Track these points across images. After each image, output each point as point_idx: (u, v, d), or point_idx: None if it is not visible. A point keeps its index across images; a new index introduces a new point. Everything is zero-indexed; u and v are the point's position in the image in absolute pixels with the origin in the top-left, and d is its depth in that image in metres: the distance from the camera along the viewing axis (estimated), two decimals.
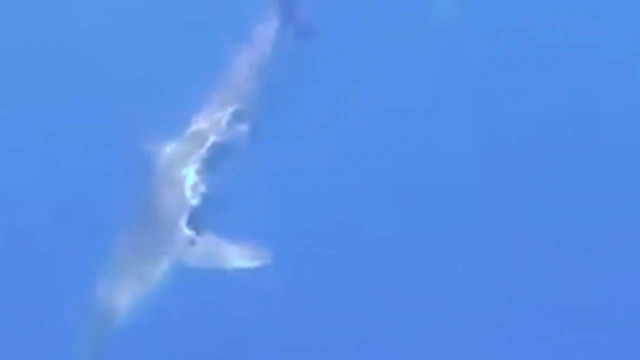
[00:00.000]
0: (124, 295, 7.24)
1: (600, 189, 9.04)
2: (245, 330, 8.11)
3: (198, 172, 7.65)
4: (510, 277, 8.62)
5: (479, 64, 9.51)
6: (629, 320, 8.69)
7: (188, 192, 7.59)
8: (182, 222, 7.49)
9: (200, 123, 7.86)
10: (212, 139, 7.77)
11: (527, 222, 9.00)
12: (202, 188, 7.60)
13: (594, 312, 8.64)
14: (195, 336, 8.13)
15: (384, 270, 8.54)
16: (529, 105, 9.33)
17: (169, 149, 7.79)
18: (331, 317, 8.40)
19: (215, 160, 7.71)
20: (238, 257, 7.37)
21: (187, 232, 7.45)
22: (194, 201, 7.56)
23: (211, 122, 7.84)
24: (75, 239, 8.09)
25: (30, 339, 8.07)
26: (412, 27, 9.39)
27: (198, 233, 7.44)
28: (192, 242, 7.42)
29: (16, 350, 8.12)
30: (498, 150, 9.15)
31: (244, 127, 7.85)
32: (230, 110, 7.86)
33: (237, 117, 7.85)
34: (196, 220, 7.49)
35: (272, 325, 8.10)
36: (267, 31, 8.25)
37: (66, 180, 8.74)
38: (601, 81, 9.41)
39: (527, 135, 9.28)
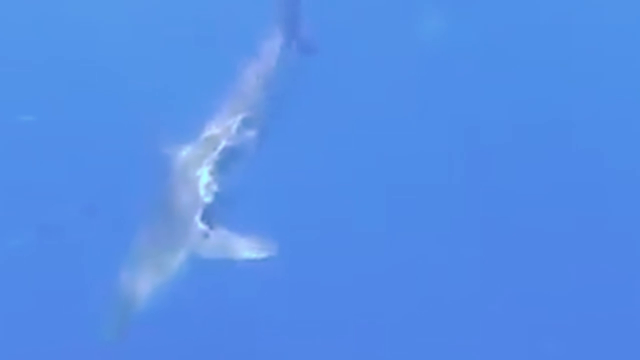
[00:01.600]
0: (144, 282, 7.26)
1: (568, 185, 9.24)
2: (252, 312, 8.18)
3: (211, 173, 7.64)
4: (489, 265, 8.66)
5: (463, 74, 9.55)
6: (599, 304, 8.67)
7: (202, 191, 7.57)
8: (197, 218, 7.47)
9: (212, 129, 7.85)
10: (223, 143, 7.76)
11: (505, 215, 9.01)
12: (215, 187, 7.58)
13: (566, 296, 8.72)
14: (208, 318, 8.18)
15: (375, 258, 8.68)
16: (506, 111, 9.39)
17: (185, 152, 7.78)
18: (327, 299, 8.45)
19: (227, 162, 7.70)
20: (247, 248, 7.34)
21: (201, 226, 7.43)
22: (207, 199, 7.53)
23: (223, 128, 7.83)
24: (101, 232, 8.17)
25: (63, 320, 8.13)
26: (401, 42, 9.50)
27: (211, 227, 7.41)
28: (205, 236, 7.40)
29: (51, 329, 8.23)
30: (479, 151, 9.34)
31: (251, 133, 7.84)
32: (239, 117, 7.85)
33: (246, 123, 7.83)
34: (209, 215, 7.46)
35: (276, 308, 8.17)
36: (272, 47, 8.21)
37: (93, 179, 8.81)
38: (570, 90, 9.60)
39: (505, 138, 9.30)
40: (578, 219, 9.05)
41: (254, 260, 7.31)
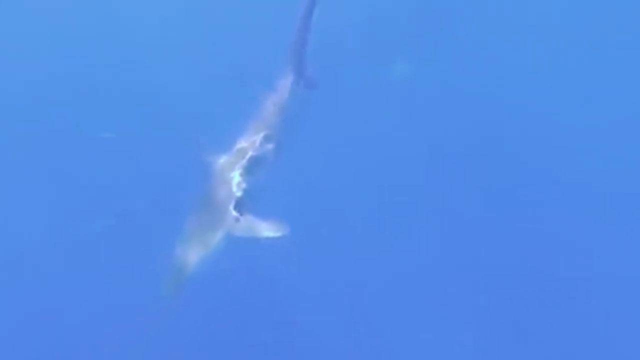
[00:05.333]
0: (193, 254, 7.36)
1: (506, 185, 9.13)
2: (270, 275, 8.30)
3: (241, 175, 7.75)
4: (447, 246, 8.69)
5: (425, 103, 9.53)
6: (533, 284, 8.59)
7: (234, 188, 7.68)
8: (231, 207, 7.59)
9: (242, 143, 7.95)
10: (250, 153, 7.88)
11: (459, 209, 9.04)
12: (244, 185, 7.71)
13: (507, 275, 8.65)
14: (239, 279, 8.22)
15: (362, 237, 8.69)
16: (460, 131, 9.42)
17: (222, 159, 7.89)
18: (326, 265, 8.57)
19: (252, 168, 7.81)
20: (267, 230, 7.45)
21: (234, 213, 7.55)
22: (239, 194, 7.66)
23: (249, 143, 7.94)
24: (162, 217, 8.21)
25: (134, 281, 8.21)
26: (380, 80, 9.51)
27: (241, 214, 7.55)
28: (237, 220, 7.52)
29: (125, 288, 8.33)
30: (439, 161, 9.26)
31: (270, 146, 7.95)
32: (261, 135, 7.96)
33: (266, 139, 7.95)
34: (240, 206, 7.59)
35: (288, 271, 8.23)
36: (285, 83, 8.30)
37: (156, 179, 8.88)
38: (507, 114, 9.49)
39: (459, 151, 9.37)
40: (513, 211, 8.99)
41: (272, 238, 7.44)
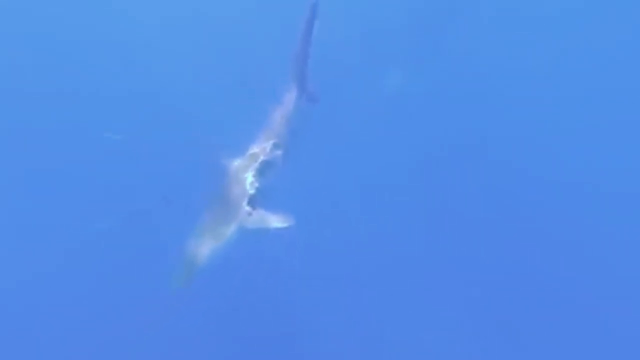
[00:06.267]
0: (208, 246, 7.72)
1: (501, 186, 9.37)
2: (278, 261, 8.49)
3: (253, 176, 8.18)
4: (436, 238, 8.97)
5: (419, 112, 9.80)
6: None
7: (248, 187, 8.10)
8: (244, 203, 8.02)
9: (254, 149, 8.36)
10: (261, 158, 8.28)
11: (446, 207, 9.30)
12: (256, 184, 8.12)
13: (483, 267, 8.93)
14: (251, 267, 8.41)
15: (360, 230, 8.99)
16: (448, 136, 9.58)
17: (236, 163, 8.28)
18: (327, 255, 8.81)
19: (263, 170, 8.20)
20: (275, 222, 7.86)
21: (247, 208, 7.98)
22: (251, 192, 8.09)
23: (260, 149, 8.35)
24: (177, 214, 8.39)
25: (149, 272, 8.33)
26: (375, 92, 9.74)
27: (253, 209, 7.97)
28: (249, 214, 7.94)
29: (140, 280, 8.47)
30: (433, 164, 9.48)
31: (279, 152, 8.33)
32: (271, 142, 8.37)
33: (275, 146, 8.35)
34: (252, 202, 8.01)
35: (293, 259, 8.47)
36: (290, 97, 8.66)
37: (173, 179, 9.00)
38: (490, 120, 9.75)
39: (446, 154, 9.57)
40: (503, 211, 9.22)
41: (280, 229, 7.88)
